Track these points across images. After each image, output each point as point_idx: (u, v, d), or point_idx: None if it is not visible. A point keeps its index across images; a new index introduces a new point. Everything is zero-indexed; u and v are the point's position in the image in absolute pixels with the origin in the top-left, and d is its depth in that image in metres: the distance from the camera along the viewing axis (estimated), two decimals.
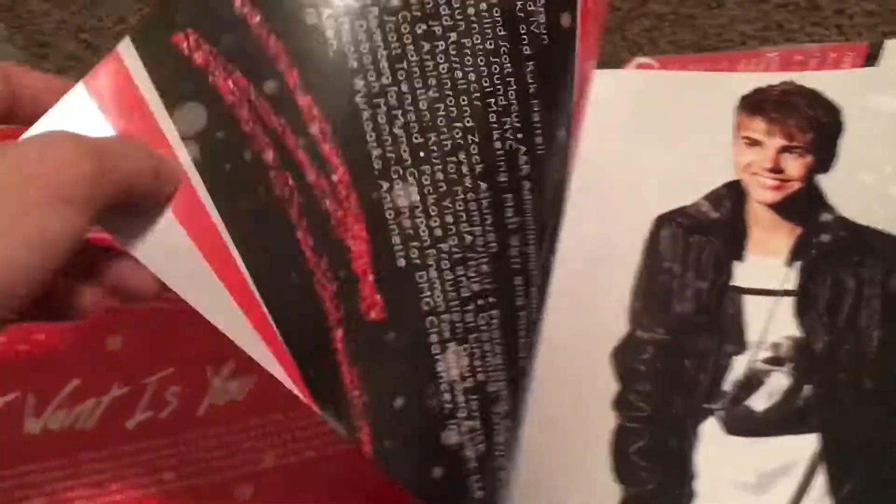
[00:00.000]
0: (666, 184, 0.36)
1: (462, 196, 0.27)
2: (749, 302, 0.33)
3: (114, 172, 0.21)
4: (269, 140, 0.25)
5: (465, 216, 0.28)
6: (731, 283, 0.33)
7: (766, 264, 0.34)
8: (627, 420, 0.32)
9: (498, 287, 0.28)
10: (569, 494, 0.31)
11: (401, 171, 0.27)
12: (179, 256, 0.24)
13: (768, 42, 0.41)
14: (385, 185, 0.26)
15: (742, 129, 0.34)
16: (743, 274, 0.34)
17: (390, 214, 0.26)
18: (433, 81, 0.26)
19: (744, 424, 0.33)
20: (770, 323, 0.33)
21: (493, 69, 0.27)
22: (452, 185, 0.27)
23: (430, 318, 0.27)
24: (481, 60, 0.26)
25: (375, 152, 0.26)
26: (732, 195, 0.34)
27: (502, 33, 0.27)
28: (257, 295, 0.25)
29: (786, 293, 0.33)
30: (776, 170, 0.35)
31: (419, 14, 0.26)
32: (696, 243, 0.34)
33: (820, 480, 0.32)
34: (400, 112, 0.26)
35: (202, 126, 0.24)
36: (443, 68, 0.26)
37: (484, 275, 0.28)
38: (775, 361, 0.33)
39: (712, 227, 0.34)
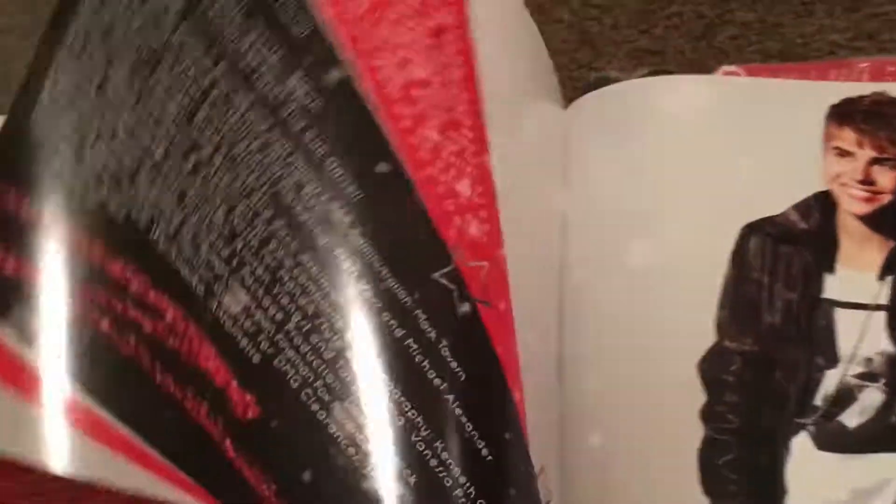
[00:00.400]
0: (753, 192, 0.38)
1: (288, 276, 0.30)
2: (840, 315, 0.34)
3: None
4: (99, 312, 0.28)
5: (298, 291, 0.29)
6: (822, 296, 0.33)
7: (858, 277, 0.34)
8: (716, 432, 0.33)
9: (364, 331, 0.29)
10: None
11: (222, 286, 0.29)
12: (61, 442, 0.28)
13: (859, 52, 0.40)
14: (214, 304, 0.29)
15: (831, 140, 0.35)
16: (834, 286, 0.34)
17: (229, 324, 0.29)
18: (218, 199, 0.30)
19: (836, 440, 0.33)
20: (862, 337, 0.33)
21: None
22: (274, 272, 0.29)
23: (304, 391, 0.28)
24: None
25: (193, 281, 0.29)
26: (822, 206, 0.35)
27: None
28: (145, 445, 0.28)
29: (878, 307, 0.33)
30: (867, 181, 0.37)
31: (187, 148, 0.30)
32: (784, 254, 0.34)
33: None
34: (201, 228, 0.29)
35: (37, 327, 0.28)
36: (218, 181, 0.30)
37: (341, 329, 0.29)
38: (868, 377, 0.33)
39: (801, 237, 0.34)
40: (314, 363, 0.29)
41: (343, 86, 0.31)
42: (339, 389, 0.29)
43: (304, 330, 0.29)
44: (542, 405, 0.33)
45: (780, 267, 0.36)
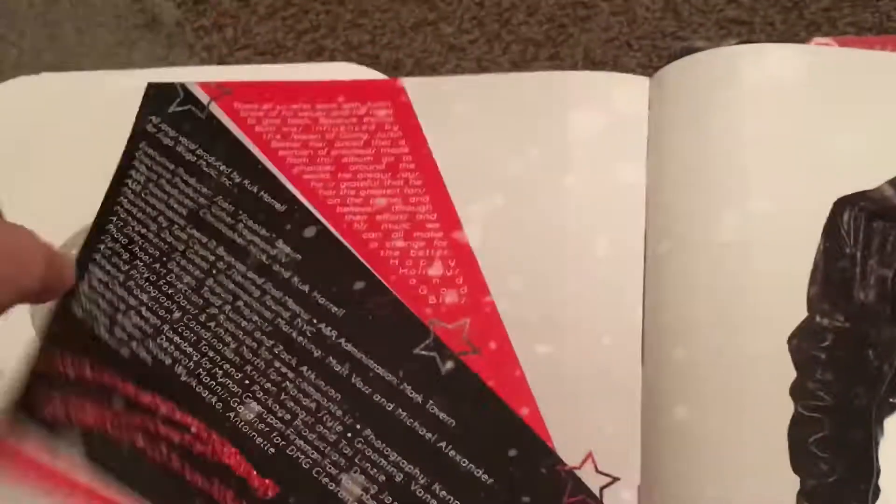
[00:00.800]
0: (846, 166, 0.38)
1: (291, 385, 0.38)
2: None
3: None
4: (134, 431, 0.38)
5: (301, 395, 0.37)
6: None
7: None
8: (806, 409, 0.33)
9: (360, 413, 0.37)
10: (741, 482, 0.31)
11: (238, 400, 0.37)
12: None
13: None
14: (232, 415, 0.37)
15: None
16: None
17: (246, 428, 0.37)
18: (228, 339, 0.40)
19: None
20: None
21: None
22: (279, 384, 0.38)
23: (314, 469, 0.36)
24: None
25: (213, 400, 0.38)
26: None
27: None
28: None
29: None
30: None
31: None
32: (879, 229, 0.33)
33: None
34: (215, 362, 0.39)
35: (84, 449, 0.37)
36: (227, 326, 0.40)
37: (341, 416, 0.37)
38: None
39: None
40: (321, 447, 0.37)
41: (319, 236, 0.41)
42: (344, 463, 0.36)
43: (309, 423, 0.37)
44: (579, 398, 0.36)
45: (873, 243, 0.35)
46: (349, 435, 0.37)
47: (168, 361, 0.39)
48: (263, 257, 0.41)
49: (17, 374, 0.39)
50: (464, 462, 0.35)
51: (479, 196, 0.41)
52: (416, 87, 0.44)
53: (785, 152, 0.38)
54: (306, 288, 0.40)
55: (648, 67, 0.44)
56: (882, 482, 0.33)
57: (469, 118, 0.42)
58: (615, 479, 0.35)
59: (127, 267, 0.41)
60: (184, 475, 0.37)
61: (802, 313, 0.35)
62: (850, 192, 0.37)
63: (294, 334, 0.39)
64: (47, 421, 0.38)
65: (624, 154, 0.41)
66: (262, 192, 0.42)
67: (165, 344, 0.40)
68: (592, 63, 0.45)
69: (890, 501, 0.33)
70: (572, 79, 0.43)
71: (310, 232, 0.41)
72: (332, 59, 0.47)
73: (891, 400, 0.34)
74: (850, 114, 0.38)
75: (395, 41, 0.46)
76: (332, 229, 0.41)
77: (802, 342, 0.35)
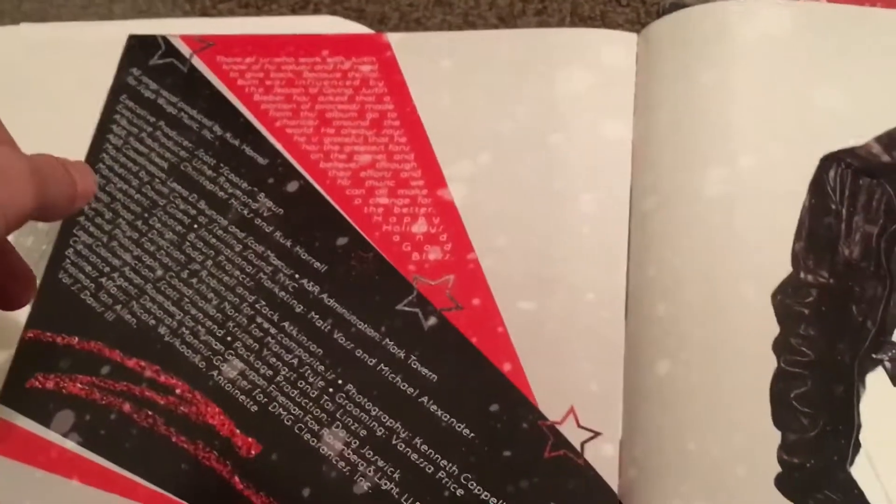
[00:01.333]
0: (833, 121, 0.38)
1: (273, 341, 0.38)
2: None
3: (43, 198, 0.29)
4: (121, 398, 0.37)
5: (283, 351, 0.37)
6: None
7: None
8: (789, 364, 0.33)
9: (342, 369, 0.37)
10: (722, 435, 0.31)
11: (221, 358, 0.38)
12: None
13: None
14: (215, 373, 0.37)
15: None
16: None
17: (229, 387, 0.37)
18: (210, 295, 0.39)
19: None
20: None
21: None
22: (261, 340, 0.38)
23: (296, 426, 0.36)
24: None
25: (196, 359, 0.38)
26: None
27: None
28: (173, 496, 0.35)
29: None
30: None
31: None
32: (865, 186, 0.33)
33: None
34: (198, 320, 0.38)
35: (72, 421, 0.37)
36: (209, 282, 0.40)
37: (323, 372, 0.37)
38: None
39: (883, 170, 0.33)
40: (302, 402, 0.37)
41: (302, 191, 0.41)
42: (326, 419, 0.36)
43: (291, 379, 0.37)
44: (561, 354, 0.36)
45: (859, 199, 0.35)
46: (331, 390, 0.37)
47: (152, 322, 0.39)
48: (245, 211, 0.41)
49: (5, 347, 0.39)
50: (445, 417, 0.35)
51: (464, 154, 0.40)
52: (401, 43, 0.43)
53: (773, 108, 0.38)
54: (288, 243, 0.40)
55: (636, 23, 0.43)
56: (862, 437, 0.33)
57: (455, 75, 0.42)
58: (597, 434, 0.34)
59: (110, 227, 0.41)
60: (169, 438, 0.37)
61: (787, 269, 0.35)
62: (837, 149, 0.36)
63: (276, 289, 0.39)
64: (37, 393, 0.38)
65: (611, 111, 0.40)
66: (243, 146, 0.42)
67: (149, 304, 0.39)
68: (580, 19, 0.44)
69: (870, 456, 0.32)
70: (559, 36, 0.42)
71: (292, 186, 0.41)
72: (316, 12, 0.46)
73: (873, 356, 0.33)
74: (838, 70, 0.38)
75: None
76: (315, 184, 0.41)
77: (786, 298, 0.34)
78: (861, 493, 0.32)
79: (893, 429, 0.33)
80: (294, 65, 0.43)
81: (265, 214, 0.40)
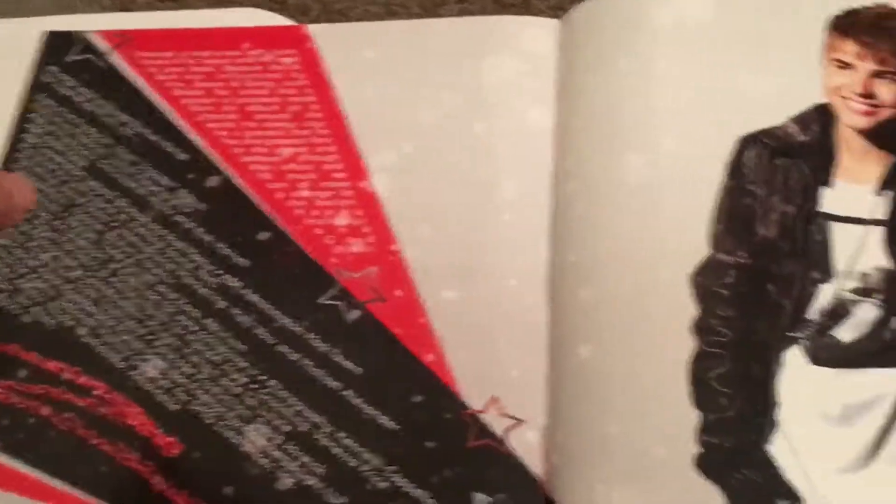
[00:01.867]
0: (751, 103, 0.38)
1: (195, 338, 0.38)
2: (837, 229, 0.33)
3: None
4: (39, 402, 0.37)
5: (205, 348, 0.37)
6: (819, 210, 0.31)
7: (855, 192, 0.34)
8: (707, 345, 0.33)
9: (265, 365, 0.37)
10: (642, 419, 0.31)
11: (141, 357, 0.37)
12: None
13: None
14: (135, 373, 0.37)
15: (832, 51, 0.34)
16: (831, 200, 0.34)
17: (150, 386, 0.37)
18: (130, 294, 0.39)
19: (829, 355, 0.32)
20: (859, 252, 0.32)
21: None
22: (182, 338, 0.38)
23: (218, 424, 0.36)
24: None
25: (116, 360, 0.37)
26: (821, 118, 0.35)
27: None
28: (94, 499, 0.35)
29: (876, 223, 0.31)
30: (867, 95, 0.36)
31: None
32: (782, 166, 0.33)
33: None
34: (118, 319, 0.38)
35: None
36: (129, 280, 0.39)
37: (245, 368, 0.37)
38: (863, 292, 0.32)
39: (800, 150, 0.33)
40: (225, 400, 0.37)
41: (223, 185, 0.41)
42: (249, 415, 0.36)
43: (213, 377, 0.37)
44: (484, 342, 0.36)
45: (776, 179, 0.35)
46: (254, 387, 0.37)
47: (70, 323, 0.39)
48: (165, 208, 0.40)
49: None
50: (369, 410, 0.35)
51: (387, 145, 0.40)
52: (323, 34, 0.43)
53: (692, 93, 0.38)
54: (210, 238, 0.39)
55: (559, 9, 0.43)
56: (780, 415, 0.33)
57: (378, 66, 0.42)
58: (520, 422, 0.34)
59: (27, 227, 0.41)
60: (89, 441, 0.36)
61: (706, 251, 0.35)
62: (755, 130, 0.37)
63: (198, 286, 0.39)
64: None
65: (534, 98, 0.40)
66: (163, 142, 0.41)
67: (67, 305, 0.39)
68: (502, 6, 0.44)
69: (787, 433, 0.33)
70: (482, 24, 0.42)
71: (213, 181, 0.41)
72: (237, 4, 0.45)
73: (789, 334, 0.34)
74: (754, 53, 0.38)
75: None
76: (237, 179, 0.41)
77: (705, 279, 0.35)
78: (779, 471, 0.33)
79: (810, 406, 0.33)
80: (214, 58, 0.43)
81: (186, 211, 0.40)
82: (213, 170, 0.41)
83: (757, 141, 0.37)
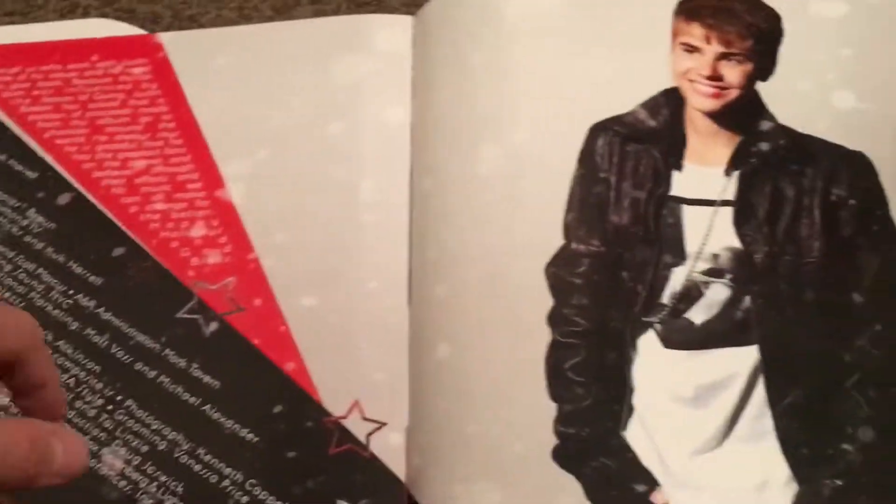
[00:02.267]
0: (601, 91, 0.38)
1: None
2: (688, 212, 0.33)
3: None
4: None
5: (59, 372, 0.35)
6: (670, 194, 0.32)
7: (705, 173, 0.34)
8: (563, 335, 0.34)
9: (122, 384, 0.36)
10: (500, 414, 0.31)
11: None
12: None
13: None
14: None
15: (680, 35, 0.35)
16: (681, 184, 0.34)
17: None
18: None
19: (682, 337, 0.33)
20: (709, 233, 0.33)
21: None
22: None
23: None
24: None
25: None
26: (670, 103, 0.35)
27: None
28: None
29: (724, 203, 0.32)
30: (715, 77, 0.37)
31: None
32: (633, 152, 0.33)
33: (759, 393, 0.32)
34: None
35: None
36: None
37: (101, 389, 0.36)
38: (714, 273, 0.32)
39: (650, 135, 0.34)
40: (80, 423, 0.36)
41: (74, 203, 0.40)
42: (105, 437, 0.35)
43: (68, 400, 0.35)
44: (345, 347, 0.36)
45: (627, 166, 0.35)
46: (110, 408, 0.36)
47: None
48: (14, 229, 0.39)
49: None
50: (229, 423, 0.34)
51: (242, 152, 0.39)
52: (174, 42, 0.42)
53: (544, 82, 0.39)
54: (61, 258, 0.38)
55: (412, 6, 0.43)
56: (635, 400, 0.33)
57: (230, 72, 0.41)
58: (382, 425, 0.34)
59: None
60: None
61: (560, 241, 0.35)
62: (605, 118, 0.37)
63: (49, 308, 0.38)
64: None
65: (389, 96, 0.40)
66: (10, 160, 0.40)
67: None
68: (356, 5, 0.44)
69: (643, 418, 0.33)
70: (334, 24, 0.42)
71: (64, 199, 0.40)
72: (85, 15, 0.44)
73: (644, 319, 0.34)
74: (603, 40, 0.39)
75: None
76: (89, 195, 0.40)
77: (559, 269, 0.35)
78: (635, 456, 0.33)
79: (664, 390, 0.34)
80: (62, 72, 0.42)
81: (36, 231, 0.39)
82: (63, 187, 0.40)
83: (607, 129, 0.38)
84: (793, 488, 0.32)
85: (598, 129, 0.38)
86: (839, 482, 0.32)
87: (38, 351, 0.26)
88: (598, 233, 0.36)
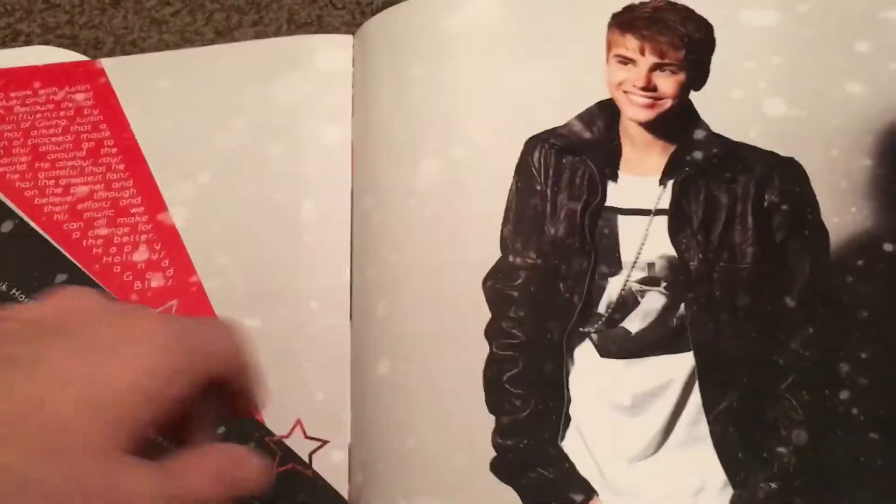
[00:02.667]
0: (537, 105, 0.39)
1: None
2: (623, 222, 0.34)
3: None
4: None
5: None
6: (606, 204, 0.32)
7: (640, 183, 0.35)
8: (500, 348, 0.34)
9: None
10: (440, 429, 0.31)
11: None
12: None
13: None
14: None
15: (614, 48, 0.37)
16: (617, 194, 0.35)
17: None
18: None
19: (618, 346, 0.33)
20: (644, 242, 0.33)
21: None
22: None
23: None
24: None
25: None
26: (605, 114, 0.36)
27: None
28: None
29: (659, 212, 0.33)
30: (649, 88, 0.37)
31: None
32: (569, 164, 0.34)
33: (695, 399, 0.32)
34: None
35: None
36: None
37: None
38: (650, 281, 0.33)
39: (585, 147, 0.35)
40: None
41: (16, 231, 0.40)
42: None
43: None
44: (288, 367, 0.37)
45: (563, 178, 0.36)
46: None
47: None
48: None
49: None
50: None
51: (184, 175, 0.40)
52: (116, 67, 0.42)
53: (482, 97, 0.39)
54: (3, 286, 0.39)
55: (353, 25, 0.44)
56: (572, 410, 0.34)
57: (172, 96, 0.41)
58: (324, 443, 0.35)
59: None
60: None
61: (497, 254, 0.36)
62: (541, 131, 0.37)
63: None
64: None
65: (329, 115, 0.41)
66: None
67: None
68: (297, 25, 0.44)
69: (580, 428, 0.34)
70: (274, 46, 0.42)
71: (6, 227, 0.40)
72: (28, 42, 0.45)
73: (580, 329, 0.35)
74: (539, 54, 0.40)
75: (95, 19, 0.45)
76: (31, 222, 0.40)
77: (496, 282, 0.35)
78: (572, 466, 0.33)
79: (601, 399, 0.34)
80: (4, 100, 0.42)
81: None
82: (6, 214, 0.40)
83: (543, 141, 0.38)
84: (728, 493, 0.33)
85: (533, 142, 0.38)
86: (774, 485, 0.33)
87: (247, 366, 0.27)
88: (534, 245, 0.37)
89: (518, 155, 0.38)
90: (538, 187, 0.37)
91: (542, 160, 0.38)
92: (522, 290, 0.36)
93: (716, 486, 0.33)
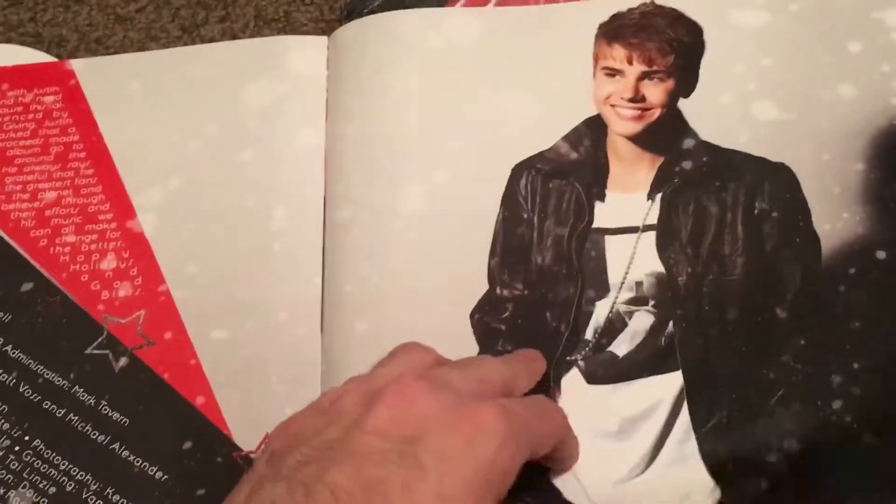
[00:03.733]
0: (523, 128, 0.38)
1: None
2: (611, 242, 0.36)
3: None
4: None
5: None
6: (593, 226, 0.33)
7: (628, 200, 0.36)
8: None
9: (29, 424, 0.35)
10: None
11: None
12: None
13: None
14: None
15: (601, 60, 0.38)
16: (604, 214, 0.36)
17: None
18: None
19: (606, 371, 0.35)
20: (632, 261, 0.33)
21: None
22: None
23: None
24: None
25: None
26: (592, 131, 0.37)
27: None
28: None
29: (647, 228, 0.32)
30: (637, 98, 0.37)
31: None
32: (555, 188, 0.35)
33: (683, 418, 0.32)
34: None
35: None
36: None
37: (8, 430, 0.35)
38: (638, 301, 0.33)
39: (572, 168, 0.36)
40: None
41: None
42: (12, 480, 0.35)
43: None
44: (256, 380, 0.36)
45: (550, 203, 0.36)
46: (17, 448, 0.35)
47: None
48: None
49: None
50: (137, 462, 0.34)
51: (154, 180, 0.39)
52: (86, 69, 0.42)
53: (465, 120, 0.38)
54: None
55: (321, 21, 0.43)
56: None
57: (142, 98, 0.41)
58: None
59: None
60: None
61: (484, 286, 0.35)
62: (527, 156, 0.36)
63: None
64: None
65: (302, 119, 0.40)
66: None
67: None
68: (264, 21, 0.44)
69: None
70: (247, 47, 0.42)
71: None
72: None
73: (567, 358, 0.34)
74: (524, 74, 0.39)
75: (58, 16, 0.44)
76: None
77: (484, 316, 0.35)
78: (558, 493, 0.32)
79: (588, 427, 0.33)
80: None
81: None
82: None
83: (530, 167, 0.37)
84: (716, 495, 0.32)
85: (520, 168, 0.38)
86: (764, 484, 0.31)
87: (570, 440, 0.32)
88: (521, 276, 0.36)
89: (504, 182, 0.37)
90: (525, 216, 0.36)
91: (528, 186, 0.37)
92: (509, 322, 0.35)
93: (703, 491, 0.32)
